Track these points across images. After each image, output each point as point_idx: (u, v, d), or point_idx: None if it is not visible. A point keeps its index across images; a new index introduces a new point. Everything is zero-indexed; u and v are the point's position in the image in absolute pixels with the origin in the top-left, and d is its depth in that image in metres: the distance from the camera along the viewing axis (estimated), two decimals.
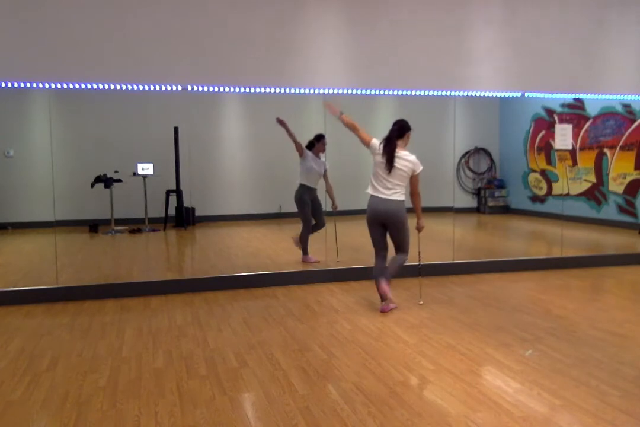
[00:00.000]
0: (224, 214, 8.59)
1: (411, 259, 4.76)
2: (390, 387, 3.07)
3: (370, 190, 4.55)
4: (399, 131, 4.50)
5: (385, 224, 4.51)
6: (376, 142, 4.56)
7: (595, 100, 7.62)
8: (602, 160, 8.65)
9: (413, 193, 4.56)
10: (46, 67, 4.84)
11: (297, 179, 6.30)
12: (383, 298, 4.57)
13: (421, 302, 4.78)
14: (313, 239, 6.36)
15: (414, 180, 4.51)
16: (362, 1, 5.54)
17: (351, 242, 7.66)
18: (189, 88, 5.19)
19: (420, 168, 4.48)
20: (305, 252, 6.22)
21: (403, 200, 4.48)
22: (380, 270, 4.59)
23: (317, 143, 6.22)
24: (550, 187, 9.30)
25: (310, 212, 6.25)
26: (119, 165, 7.61)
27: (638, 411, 2.75)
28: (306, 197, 6.21)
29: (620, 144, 8.34)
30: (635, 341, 3.80)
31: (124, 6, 4.95)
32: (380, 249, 4.62)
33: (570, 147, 7.11)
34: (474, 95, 5.96)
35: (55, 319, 4.49)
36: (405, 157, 4.45)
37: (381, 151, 4.47)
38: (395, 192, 4.44)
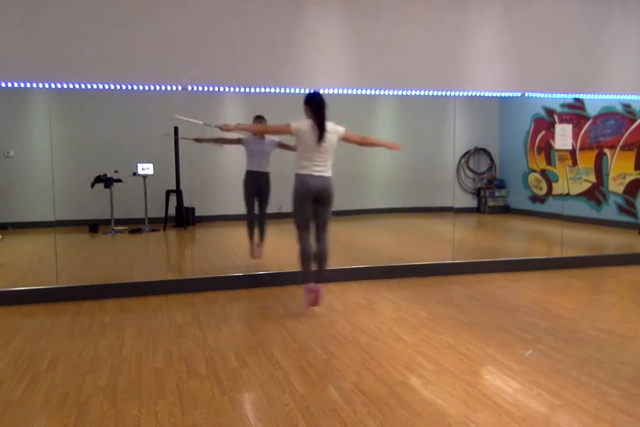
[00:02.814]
0: (224, 214, 8.58)
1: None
2: (390, 387, 3.07)
3: (303, 171, 4.45)
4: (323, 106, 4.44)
5: (318, 200, 4.48)
6: (298, 123, 4.46)
7: (595, 100, 7.62)
8: (602, 160, 8.65)
9: (362, 142, 4.68)
10: (46, 67, 4.84)
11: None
12: (314, 287, 4.47)
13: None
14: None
15: (351, 138, 4.60)
16: (362, 1, 5.54)
17: (351, 242, 7.66)
18: (189, 88, 5.19)
19: (343, 128, 4.52)
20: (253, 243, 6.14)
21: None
22: (310, 250, 4.55)
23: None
24: (550, 187, 9.30)
25: (251, 199, 6.15)
26: (119, 165, 7.60)
27: (638, 411, 2.75)
28: (248, 183, 6.12)
29: (620, 144, 8.34)
30: (635, 341, 3.80)
31: (124, 6, 4.95)
32: (309, 228, 4.56)
33: (570, 147, 7.11)
34: (474, 95, 5.96)
35: (55, 319, 4.49)
36: (332, 129, 4.44)
37: (309, 128, 4.40)
38: (328, 169, 4.50)
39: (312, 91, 4.67)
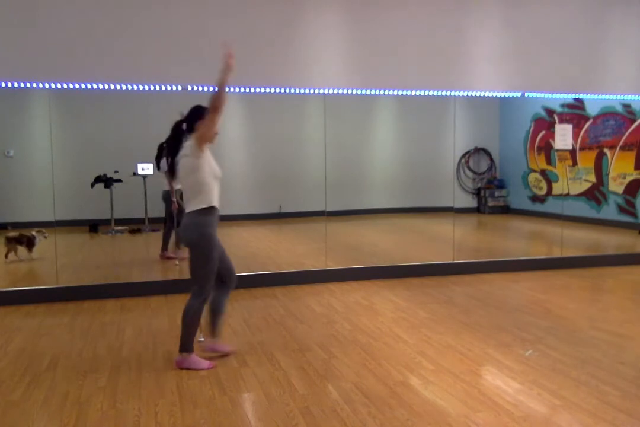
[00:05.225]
0: (224, 214, 8.58)
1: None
2: (390, 387, 3.06)
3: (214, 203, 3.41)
4: (189, 123, 3.41)
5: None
6: None
7: (595, 100, 7.61)
8: (602, 160, 8.65)
9: (216, 106, 3.20)
10: (46, 67, 4.84)
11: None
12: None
13: (201, 340, 3.67)
14: (313, 240, 6.37)
15: (207, 126, 3.24)
16: (362, 1, 5.54)
17: (351, 243, 7.66)
18: (189, 88, 5.19)
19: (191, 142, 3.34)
20: (165, 248, 6.49)
21: (192, 212, 3.35)
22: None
23: None
24: (550, 187, 9.29)
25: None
26: (119, 165, 7.60)
27: (638, 411, 2.75)
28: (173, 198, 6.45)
29: (620, 144, 8.34)
30: (635, 341, 3.80)
31: (124, 6, 4.95)
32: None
33: (570, 147, 7.11)
34: (474, 95, 5.96)
35: (55, 319, 4.49)
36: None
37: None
38: (188, 202, 3.37)
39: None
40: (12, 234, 6.28)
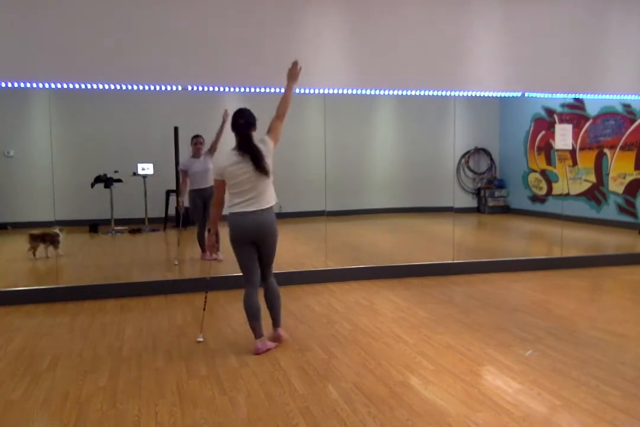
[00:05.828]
0: (224, 213, 8.59)
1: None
2: (390, 387, 3.07)
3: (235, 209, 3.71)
4: (247, 126, 3.64)
5: (256, 242, 3.72)
6: (218, 166, 3.70)
7: (595, 100, 7.62)
8: (602, 160, 8.65)
9: (282, 114, 3.86)
10: (46, 67, 4.84)
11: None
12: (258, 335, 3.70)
13: (200, 340, 3.90)
14: (313, 240, 6.36)
15: (276, 132, 3.80)
16: (362, 1, 5.54)
17: (351, 243, 7.66)
18: (189, 88, 5.19)
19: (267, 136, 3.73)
20: (204, 250, 6.44)
21: (269, 208, 3.72)
22: (258, 305, 3.75)
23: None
24: (550, 187, 9.29)
25: (202, 213, 6.48)
26: (119, 165, 7.60)
27: (638, 411, 2.75)
28: (198, 201, 6.45)
29: (620, 144, 8.34)
30: (635, 341, 3.80)
31: (124, 6, 4.95)
32: (254, 275, 3.78)
33: (570, 147, 7.11)
34: (474, 95, 5.96)
35: (55, 319, 4.49)
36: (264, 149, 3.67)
37: (237, 159, 3.58)
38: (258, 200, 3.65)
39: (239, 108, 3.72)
40: (36, 232, 6.32)
